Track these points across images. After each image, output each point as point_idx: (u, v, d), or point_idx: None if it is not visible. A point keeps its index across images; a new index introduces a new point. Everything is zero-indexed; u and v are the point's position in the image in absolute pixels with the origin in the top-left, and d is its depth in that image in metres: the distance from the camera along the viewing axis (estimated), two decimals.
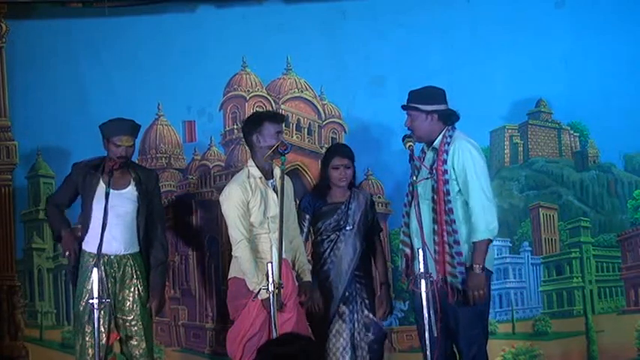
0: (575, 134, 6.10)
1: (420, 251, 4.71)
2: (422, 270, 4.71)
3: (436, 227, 4.94)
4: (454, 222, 4.91)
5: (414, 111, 5.11)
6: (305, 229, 5.60)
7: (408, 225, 5.13)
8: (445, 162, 4.97)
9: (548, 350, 6.03)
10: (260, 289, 5.09)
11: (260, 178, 5.31)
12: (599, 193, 6.07)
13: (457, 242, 4.90)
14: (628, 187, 6.06)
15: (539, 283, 6.09)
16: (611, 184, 6.06)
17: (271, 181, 5.36)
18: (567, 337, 6.04)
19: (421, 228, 4.80)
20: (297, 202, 5.67)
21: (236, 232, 5.26)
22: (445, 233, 4.90)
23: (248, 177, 5.32)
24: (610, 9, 5.98)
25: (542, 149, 6.13)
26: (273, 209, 5.27)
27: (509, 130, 6.14)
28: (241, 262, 5.25)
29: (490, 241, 4.93)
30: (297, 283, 5.35)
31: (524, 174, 6.13)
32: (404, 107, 5.16)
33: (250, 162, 5.39)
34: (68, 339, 6.21)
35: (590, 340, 6.02)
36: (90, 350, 5.26)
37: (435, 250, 4.93)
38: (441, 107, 5.08)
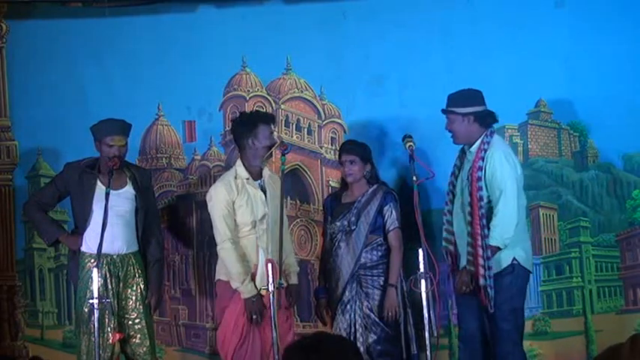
0: (574, 134, 6.10)
1: (420, 251, 4.73)
2: (422, 270, 4.73)
3: (470, 230, 5.08)
4: (486, 227, 5.05)
5: (451, 114, 5.21)
6: (327, 231, 5.62)
7: (450, 223, 5.27)
8: (480, 169, 5.10)
9: (548, 350, 6.03)
10: (260, 288, 5.11)
11: (247, 179, 5.31)
12: (598, 193, 6.07)
13: (488, 246, 5.05)
14: (627, 187, 6.06)
15: (539, 282, 6.09)
16: (610, 184, 6.06)
17: (259, 181, 5.36)
18: (567, 337, 6.04)
19: (421, 228, 4.85)
20: (298, 201, 5.66)
21: (220, 232, 5.28)
22: (479, 237, 5.02)
23: (235, 177, 5.33)
24: (610, 9, 5.97)
25: (541, 149, 6.13)
26: (262, 210, 5.27)
27: (509, 130, 6.13)
28: (225, 262, 5.27)
29: (499, 248, 5.09)
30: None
31: (524, 174, 6.12)
32: (443, 111, 5.25)
33: (239, 162, 5.39)
34: (69, 339, 6.21)
35: (589, 340, 6.02)
36: (99, 350, 5.26)
37: (469, 252, 5.08)
38: (478, 109, 5.19)
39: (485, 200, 5.08)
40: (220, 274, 5.34)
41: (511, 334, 5.14)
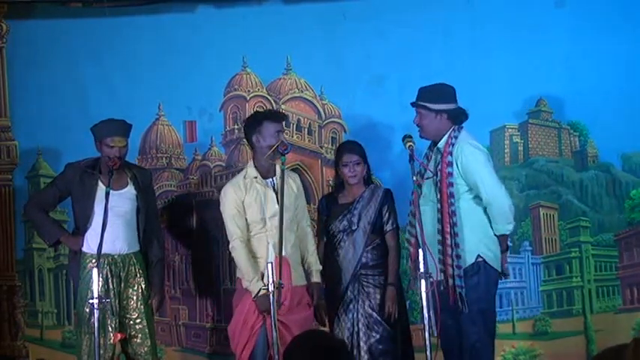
0: (574, 134, 6.11)
1: (420, 251, 4.72)
2: (422, 270, 4.72)
3: (440, 228, 4.97)
4: (456, 225, 4.94)
5: (423, 109, 5.10)
6: (323, 231, 5.61)
7: (413, 225, 5.14)
8: (450, 164, 4.98)
9: (549, 350, 6.04)
10: (260, 288, 5.12)
11: (256, 177, 5.33)
12: (598, 192, 6.08)
13: (457, 245, 4.93)
14: (626, 186, 6.07)
15: (540, 282, 6.10)
16: (609, 184, 6.07)
17: (270, 180, 5.38)
18: (567, 337, 6.05)
19: (421, 228, 4.81)
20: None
21: (230, 231, 5.33)
22: (449, 235, 4.93)
23: (244, 177, 5.37)
24: (610, 9, 5.99)
25: (542, 149, 6.14)
26: (272, 208, 5.29)
27: (510, 130, 6.15)
28: (236, 261, 5.32)
29: (505, 236, 5.05)
30: (301, 284, 5.35)
31: (525, 173, 6.14)
32: (413, 104, 5.15)
33: (250, 162, 5.43)
34: (69, 339, 6.22)
35: (589, 340, 6.03)
36: (100, 350, 5.25)
37: (439, 250, 4.96)
38: (451, 106, 5.08)
39: (456, 197, 4.95)
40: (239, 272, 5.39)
41: (481, 338, 4.96)
